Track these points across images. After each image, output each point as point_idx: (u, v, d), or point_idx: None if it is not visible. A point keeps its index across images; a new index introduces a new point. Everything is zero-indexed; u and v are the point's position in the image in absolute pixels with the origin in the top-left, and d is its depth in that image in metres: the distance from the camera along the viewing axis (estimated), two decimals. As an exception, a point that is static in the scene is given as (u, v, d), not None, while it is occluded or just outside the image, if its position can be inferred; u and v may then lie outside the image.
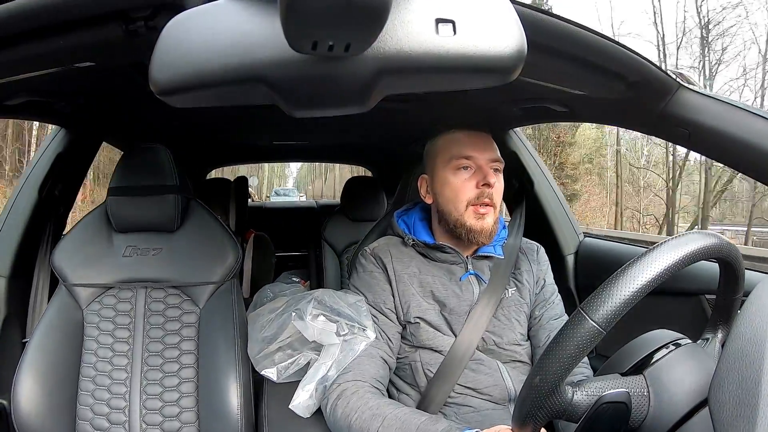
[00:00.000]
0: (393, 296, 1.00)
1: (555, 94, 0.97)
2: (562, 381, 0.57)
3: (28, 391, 1.01)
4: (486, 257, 1.04)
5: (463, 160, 0.99)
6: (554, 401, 0.57)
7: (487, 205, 0.97)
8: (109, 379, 1.08)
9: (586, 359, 1.01)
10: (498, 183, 0.99)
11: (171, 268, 1.15)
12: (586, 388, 0.60)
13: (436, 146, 1.04)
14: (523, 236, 1.14)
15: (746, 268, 0.65)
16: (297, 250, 3.06)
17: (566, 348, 0.55)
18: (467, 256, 1.02)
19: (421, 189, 1.07)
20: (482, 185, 0.97)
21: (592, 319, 0.54)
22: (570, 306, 1.01)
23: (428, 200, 1.06)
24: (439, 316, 0.99)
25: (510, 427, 0.67)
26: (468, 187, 0.98)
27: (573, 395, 0.59)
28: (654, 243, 0.59)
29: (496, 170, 1.00)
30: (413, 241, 1.04)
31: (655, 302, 0.86)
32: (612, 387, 0.59)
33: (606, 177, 17.70)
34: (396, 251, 1.04)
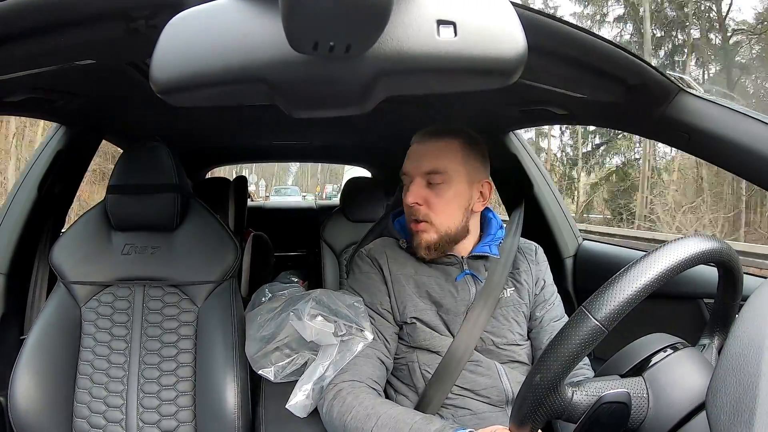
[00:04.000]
0: (389, 297, 1.00)
1: (555, 96, 0.97)
2: (563, 380, 0.57)
3: (26, 388, 1.01)
4: (482, 257, 1.03)
5: (403, 176, 1.00)
6: (554, 400, 0.57)
7: (417, 221, 0.98)
8: (107, 376, 1.08)
9: (587, 360, 1.01)
10: (435, 197, 0.97)
11: (169, 267, 1.15)
12: (586, 388, 0.60)
13: None
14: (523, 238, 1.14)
15: (745, 273, 0.65)
16: (296, 250, 3.06)
17: (568, 346, 0.55)
18: (462, 257, 1.02)
19: None
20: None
21: (594, 318, 0.54)
22: (569, 309, 1.01)
23: None
24: (436, 316, 0.99)
25: (507, 428, 0.67)
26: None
27: (573, 395, 0.59)
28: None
29: (434, 183, 0.97)
30: (407, 243, 1.04)
31: (654, 306, 0.86)
32: (612, 387, 0.59)
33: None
34: (392, 252, 1.04)
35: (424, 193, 0.97)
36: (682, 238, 0.57)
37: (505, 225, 1.12)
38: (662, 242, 0.58)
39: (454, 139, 0.99)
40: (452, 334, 0.98)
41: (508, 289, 1.03)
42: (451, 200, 0.98)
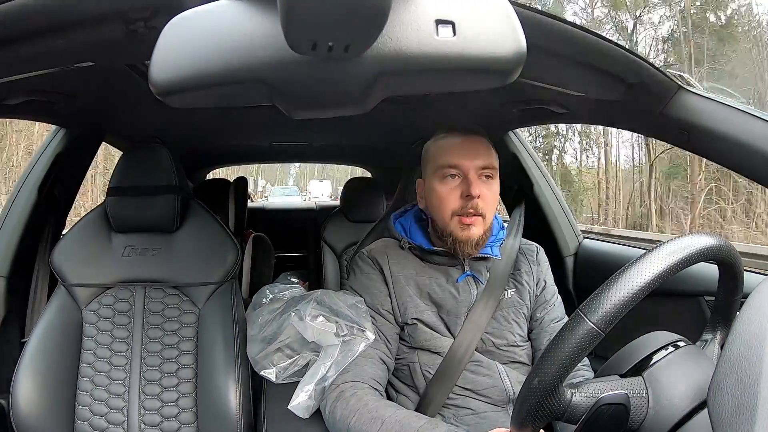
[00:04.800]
0: (390, 298, 1.00)
1: (554, 95, 0.97)
2: (561, 382, 0.57)
3: (27, 390, 1.01)
4: (483, 258, 1.03)
5: (449, 169, 0.96)
6: (553, 402, 0.57)
7: (473, 215, 0.95)
8: (108, 378, 1.08)
9: (587, 360, 1.00)
10: (488, 191, 0.96)
11: (170, 269, 1.15)
12: (585, 390, 0.60)
13: (429, 152, 1.02)
14: (524, 237, 1.14)
15: (745, 269, 0.65)
16: (296, 251, 3.06)
17: (565, 349, 0.55)
18: (464, 258, 1.02)
19: (417, 193, 1.07)
20: (466, 196, 0.94)
21: (590, 321, 0.54)
22: (569, 308, 1.01)
23: (421, 205, 1.05)
24: (437, 317, 0.99)
25: (508, 430, 0.67)
26: (453, 196, 0.96)
27: (572, 396, 0.59)
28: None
29: (487, 177, 0.97)
30: (409, 244, 1.03)
31: (654, 304, 0.86)
32: (611, 388, 0.59)
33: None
34: (393, 253, 1.04)
35: (481, 186, 0.96)
36: (679, 236, 0.57)
37: (505, 225, 1.11)
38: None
39: (484, 136, 1.01)
40: (453, 335, 0.98)
41: (509, 290, 1.03)
42: (497, 195, 1.00)
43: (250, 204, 3.11)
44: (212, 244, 1.17)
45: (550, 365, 0.56)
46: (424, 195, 1.03)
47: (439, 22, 0.42)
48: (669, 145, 0.94)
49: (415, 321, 0.98)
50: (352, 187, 2.19)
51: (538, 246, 1.12)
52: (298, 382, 0.99)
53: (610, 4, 14.44)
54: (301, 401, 0.96)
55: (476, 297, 0.99)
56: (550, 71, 0.79)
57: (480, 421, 0.93)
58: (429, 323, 0.98)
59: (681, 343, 0.62)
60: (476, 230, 0.96)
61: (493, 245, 1.03)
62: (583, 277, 1.49)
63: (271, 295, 1.20)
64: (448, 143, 0.99)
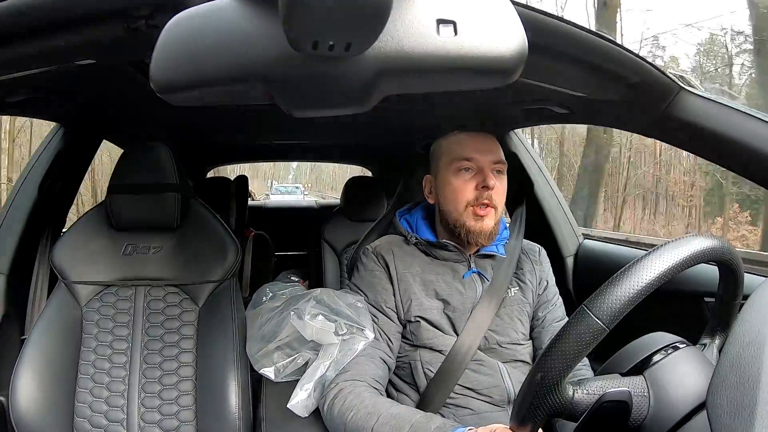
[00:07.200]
0: (394, 295, 1.01)
1: (556, 95, 0.97)
2: (564, 378, 0.57)
3: (27, 388, 1.01)
4: (488, 256, 1.04)
5: (464, 162, 0.99)
6: (555, 399, 0.57)
7: (486, 206, 0.98)
8: (108, 376, 1.08)
9: (587, 360, 1.01)
10: (499, 185, 0.99)
11: (171, 267, 1.15)
12: (587, 387, 0.60)
13: (440, 148, 1.05)
14: (524, 238, 1.14)
15: (746, 272, 0.65)
16: (297, 250, 3.06)
17: (569, 345, 0.55)
18: (470, 255, 1.03)
19: (425, 189, 1.08)
20: (481, 187, 0.97)
21: (595, 316, 0.54)
22: (569, 308, 1.01)
23: (431, 200, 1.07)
24: (442, 314, 0.99)
25: (507, 427, 0.67)
26: (468, 188, 0.98)
27: (574, 393, 0.59)
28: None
29: (498, 172, 1.00)
30: (416, 239, 1.04)
31: (656, 304, 0.86)
32: (613, 386, 0.59)
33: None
34: (398, 250, 1.04)
35: (494, 179, 0.99)
36: (683, 237, 0.57)
37: (507, 225, 1.12)
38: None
39: (492, 135, 1.04)
40: (456, 333, 0.98)
41: (513, 289, 1.03)
42: (506, 190, 1.02)
43: (250, 203, 3.11)
44: (212, 242, 1.17)
45: (553, 361, 0.56)
46: (433, 190, 1.05)
47: (440, 21, 0.42)
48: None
49: (418, 318, 0.98)
50: (352, 186, 2.19)
51: (540, 247, 1.14)
52: (298, 380, 0.99)
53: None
54: (300, 400, 0.97)
55: (481, 294, 1.00)
56: (552, 71, 0.79)
57: (480, 421, 0.92)
58: (433, 321, 0.98)
59: (681, 345, 0.62)
60: (489, 221, 0.99)
61: (498, 244, 1.05)
62: (583, 278, 1.49)
63: (271, 294, 1.21)
64: (461, 139, 1.02)
